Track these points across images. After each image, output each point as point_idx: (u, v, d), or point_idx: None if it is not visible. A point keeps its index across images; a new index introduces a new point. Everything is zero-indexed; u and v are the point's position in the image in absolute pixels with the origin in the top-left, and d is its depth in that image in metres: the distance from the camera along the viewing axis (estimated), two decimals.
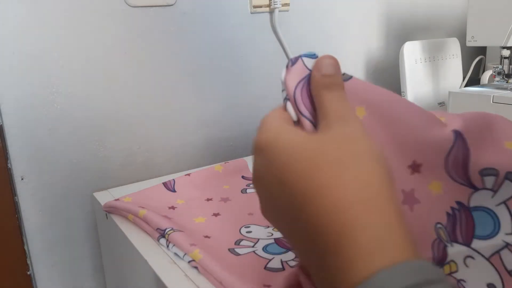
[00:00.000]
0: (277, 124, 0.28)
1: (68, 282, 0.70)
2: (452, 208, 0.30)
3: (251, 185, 0.64)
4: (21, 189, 0.63)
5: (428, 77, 0.97)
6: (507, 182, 0.29)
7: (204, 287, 0.40)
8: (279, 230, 0.28)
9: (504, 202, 0.29)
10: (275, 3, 0.82)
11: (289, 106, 0.30)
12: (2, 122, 0.61)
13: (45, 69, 0.63)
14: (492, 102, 0.78)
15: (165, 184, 0.61)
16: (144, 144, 0.73)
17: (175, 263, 0.45)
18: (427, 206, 0.30)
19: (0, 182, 0.61)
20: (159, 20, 0.71)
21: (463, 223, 0.30)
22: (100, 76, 0.67)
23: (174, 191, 0.61)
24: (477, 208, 0.30)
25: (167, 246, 0.47)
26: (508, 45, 0.80)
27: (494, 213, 0.30)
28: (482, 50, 1.19)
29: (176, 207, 0.56)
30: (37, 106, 0.63)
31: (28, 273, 0.65)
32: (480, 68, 1.20)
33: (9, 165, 0.62)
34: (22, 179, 0.63)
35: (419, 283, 0.19)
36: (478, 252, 0.30)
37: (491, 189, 0.29)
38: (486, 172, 0.29)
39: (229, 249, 0.46)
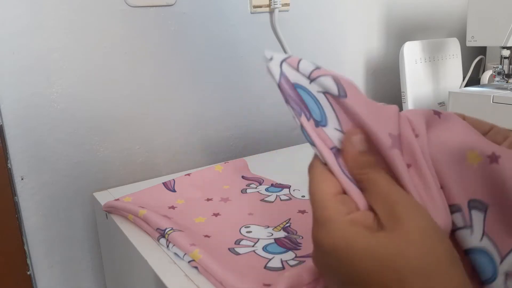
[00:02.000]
0: (342, 223, 0.25)
1: (68, 282, 0.70)
2: None
3: (251, 185, 0.64)
4: (21, 189, 0.63)
5: (428, 77, 0.97)
6: (474, 212, 0.27)
7: (204, 287, 0.40)
8: None
9: (484, 233, 0.27)
10: (275, 3, 0.82)
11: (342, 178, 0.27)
12: (2, 122, 0.61)
13: (45, 69, 0.63)
14: (492, 102, 0.78)
15: (165, 184, 0.61)
16: (144, 144, 0.73)
17: (175, 263, 0.45)
18: None
19: (0, 182, 0.61)
20: (159, 20, 0.71)
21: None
22: (100, 76, 0.67)
23: (174, 191, 0.61)
24: (471, 251, 0.27)
25: (167, 246, 0.47)
26: (508, 45, 0.80)
27: (485, 251, 0.27)
28: (482, 50, 1.19)
29: (176, 207, 0.56)
30: (37, 106, 0.63)
31: (28, 273, 0.65)
32: (480, 68, 1.20)
33: (9, 165, 0.62)
34: (22, 179, 0.63)
35: None
36: None
37: (464, 227, 0.27)
38: (451, 209, 0.28)
39: (229, 249, 0.46)
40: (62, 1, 0.62)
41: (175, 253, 0.46)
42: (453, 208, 0.28)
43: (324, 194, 0.27)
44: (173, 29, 0.73)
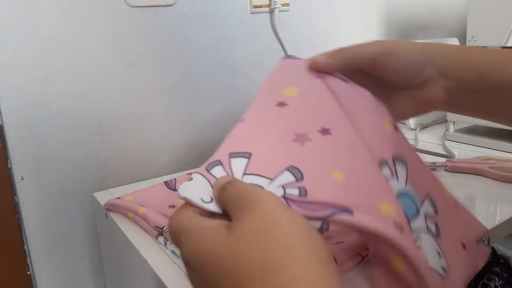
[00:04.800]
0: (196, 230, 0.28)
1: (68, 282, 0.70)
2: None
3: None
4: (21, 189, 0.63)
5: None
6: (397, 162, 0.34)
7: None
8: None
9: (406, 181, 0.34)
10: (275, 3, 0.82)
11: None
12: (2, 122, 0.61)
13: (45, 69, 0.63)
14: None
15: (166, 183, 0.62)
16: (144, 144, 0.73)
17: (175, 263, 0.45)
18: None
19: (0, 182, 0.61)
20: (159, 20, 0.71)
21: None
22: (100, 76, 0.67)
23: (175, 190, 0.61)
24: (399, 195, 0.33)
25: (165, 244, 0.47)
26: (508, 45, 0.80)
27: (409, 194, 0.34)
28: None
29: (176, 206, 0.56)
30: (37, 106, 0.63)
31: (28, 273, 0.65)
32: None
33: (9, 165, 0.62)
34: (22, 179, 0.63)
35: None
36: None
37: (390, 175, 0.33)
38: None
39: None
40: (62, 1, 0.62)
41: (172, 251, 0.46)
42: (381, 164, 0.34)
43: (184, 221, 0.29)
44: (173, 29, 0.73)
